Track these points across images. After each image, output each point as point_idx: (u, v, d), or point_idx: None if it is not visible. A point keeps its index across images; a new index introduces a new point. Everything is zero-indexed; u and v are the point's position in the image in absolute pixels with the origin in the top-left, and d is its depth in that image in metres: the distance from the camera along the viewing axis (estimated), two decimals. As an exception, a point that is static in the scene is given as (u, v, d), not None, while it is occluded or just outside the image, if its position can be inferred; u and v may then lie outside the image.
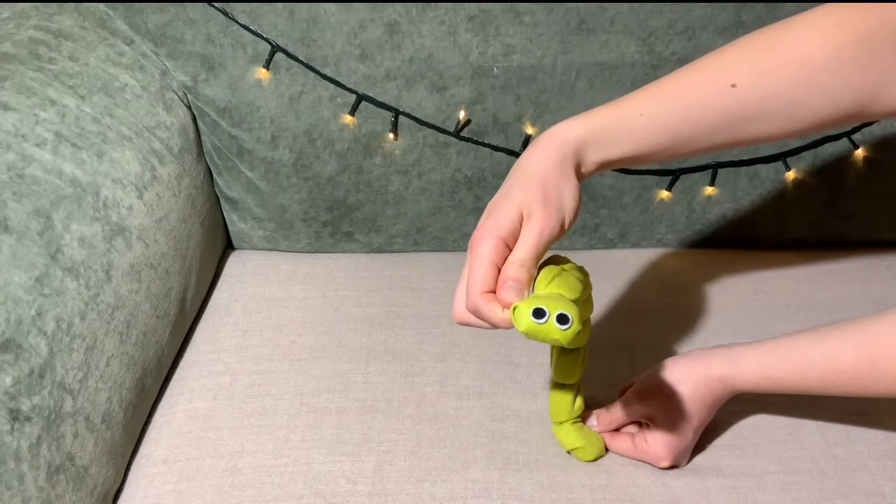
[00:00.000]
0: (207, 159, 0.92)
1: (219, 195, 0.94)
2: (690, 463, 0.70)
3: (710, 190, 0.92)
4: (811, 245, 0.95)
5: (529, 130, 0.88)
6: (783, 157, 0.90)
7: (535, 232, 0.55)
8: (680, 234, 0.96)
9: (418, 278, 0.92)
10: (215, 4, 0.83)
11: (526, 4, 0.83)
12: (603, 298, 0.89)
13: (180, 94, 0.88)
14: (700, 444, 0.71)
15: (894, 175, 0.91)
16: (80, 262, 0.68)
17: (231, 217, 0.96)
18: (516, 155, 0.89)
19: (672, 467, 0.69)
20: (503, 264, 0.55)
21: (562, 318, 0.51)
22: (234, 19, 0.83)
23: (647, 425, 0.68)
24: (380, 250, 0.97)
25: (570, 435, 0.70)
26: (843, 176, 0.92)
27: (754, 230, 0.96)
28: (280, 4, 0.83)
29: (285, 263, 0.95)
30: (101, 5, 0.85)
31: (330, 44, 0.84)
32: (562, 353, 0.66)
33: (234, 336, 0.84)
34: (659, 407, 0.67)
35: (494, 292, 0.54)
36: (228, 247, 0.99)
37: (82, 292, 0.67)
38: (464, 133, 0.88)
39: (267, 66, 0.85)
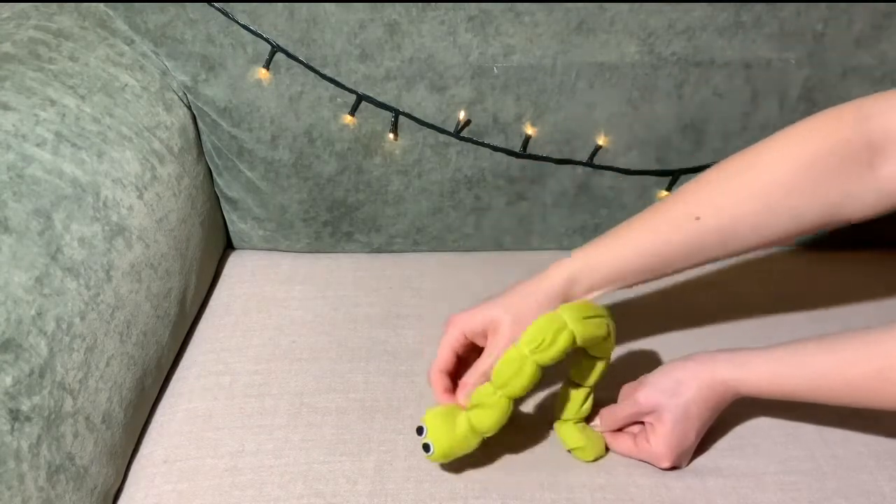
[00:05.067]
0: (207, 159, 0.92)
1: (219, 195, 0.95)
2: (690, 463, 0.70)
3: (709, 190, 0.92)
4: (808, 245, 0.95)
5: (529, 130, 0.88)
6: (783, 158, 0.90)
7: (500, 347, 0.67)
8: (680, 234, 0.96)
9: (418, 278, 0.92)
10: (215, 4, 0.83)
11: (526, 4, 0.83)
12: (601, 298, 0.89)
13: (180, 94, 0.88)
14: (700, 445, 0.71)
15: (894, 175, 0.91)
16: (81, 262, 0.68)
17: (231, 217, 0.96)
18: (516, 155, 0.89)
19: (673, 468, 0.69)
20: (462, 351, 0.70)
21: (425, 447, 0.66)
22: (234, 19, 0.83)
23: (650, 425, 0.68)
24: (380, 250, 0.97)
25: (572, 434, 0.70)
26: (842, 176, 0.92)
27: (754, 230, 0.96)
28: (280, 4, 0.83)
29: (285, 263, 0.95)
30: (101, 5, 0.85)
31: (330, 44, 0.84)
32: (586, 356, 0.69)
33: (234, 336, 0.84)
34: (663, 408, 0.67)
35: (450, 372, 0.70)
36: (228, 247, 0.99)
37: (82, 292, 0.67)
38: (464, 133, 0.88)
39: (267, 67, 0.85)
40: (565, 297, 0.69)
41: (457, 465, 0.70)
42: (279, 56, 0.84)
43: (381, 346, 0.82)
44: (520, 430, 0.73)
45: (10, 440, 0.57)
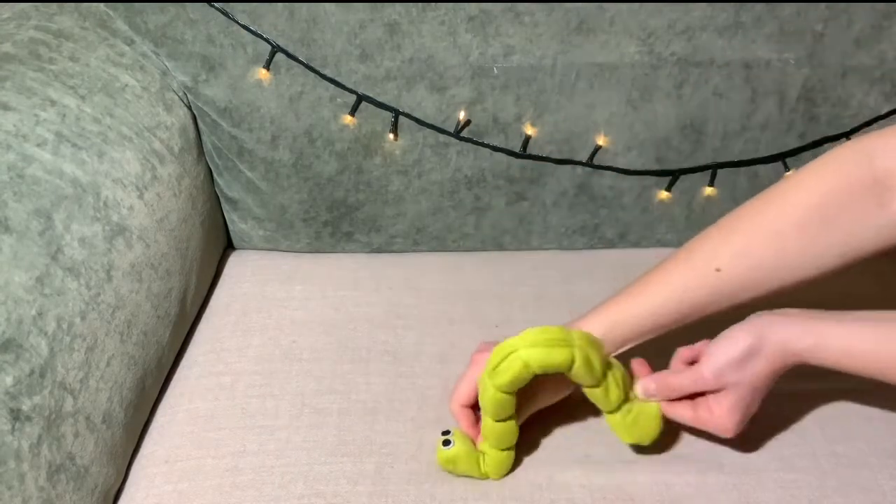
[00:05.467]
0: (208, 159, 0.92)
1: (219, 195, 0.95)
2: (690, 460, 0.70)
3: (709, 190, 0.92)
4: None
5: (529, 131, 0.88)
6: (782, 158, 0.90)
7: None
8: (679, 234, 0.96)
9: (418, 278, 0.92)
10: (215, 5, 0.83)
11: (526, 4, 0.83)
12: (601, 298, 0.89)
13: (180, 94, 0.88)
14: (700, 443, 0.71)
15: (893, 175, 0.91)
16: (81, 262, 0.68)
17: (231, 217, 0.96)
18: (516, 155, 0.89)
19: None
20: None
21: (446, 442, 0.68)
22: (234, 20, 0.83)
23: (714, 397, 0.66)
24: (380, 250, 0.97)
25: (622, 427, 0.69)
26: (842, 176, 0.92)
27: (754, 230, 0.96)
28: (280, 4, 0.83)
29: (286, 263, 0.95)
30: (102, 5, 0.85)
31: (330, 44, 0.84)
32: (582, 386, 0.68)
33: (234, 336, 0.84)
34: (730, 382, 0.65)
35: (471, 406, 0.70)
36: (229, 247, 0.99)
37: (83, 292, 0.67)
38: (464, 133, 0.88)
39: (267, 67, 0.85)
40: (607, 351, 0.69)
41: (457, 464, 0.70)
42: (279, 56, 0.84)
43: (381, 347, 0.82)
44: (519, 431, 0.73)
45: (10, 440, 0.57)
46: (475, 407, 0.70)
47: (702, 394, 0.67)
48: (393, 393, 0.77)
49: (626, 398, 0.68)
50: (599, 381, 0.66)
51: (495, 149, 0.89)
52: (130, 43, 0.85)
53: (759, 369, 0.64)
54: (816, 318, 0.64)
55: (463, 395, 0.70)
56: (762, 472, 0.69)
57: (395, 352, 0.82)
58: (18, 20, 0.82)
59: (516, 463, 0.70)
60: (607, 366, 0.67)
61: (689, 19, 0.84)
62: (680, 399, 0.68)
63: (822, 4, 0.84)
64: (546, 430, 0.73)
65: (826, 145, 0.90)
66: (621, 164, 0.90)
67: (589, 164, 0.90)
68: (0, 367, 0.58)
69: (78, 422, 0.64)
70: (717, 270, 0.67)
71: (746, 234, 0.68)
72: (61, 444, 0.62)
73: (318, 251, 0.96)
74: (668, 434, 0.71)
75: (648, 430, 0.69)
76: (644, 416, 0.68)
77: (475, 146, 0.89)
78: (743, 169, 0.91)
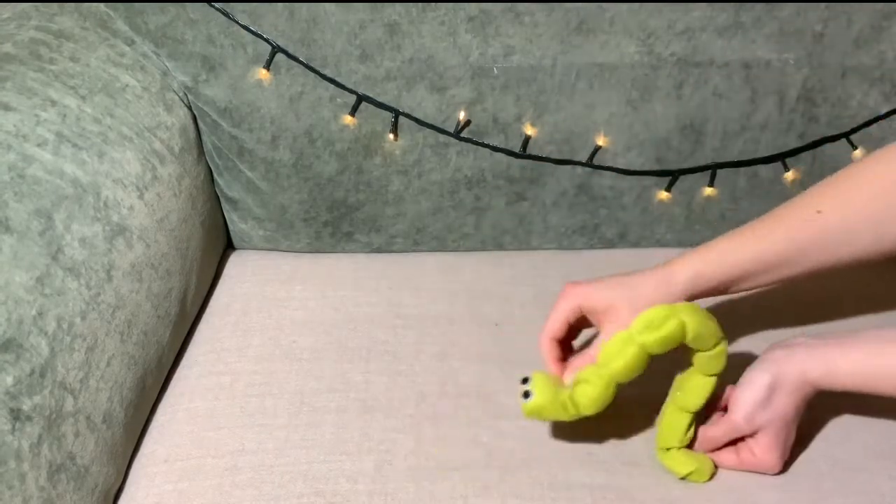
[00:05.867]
0: (208, 159, 0.92)
1: (219, 195, 0.95)
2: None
3: (709, 190, 0.92)
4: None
5: (529, 131, 0.88)
6: (782, 158, 0.90)
7: (598, 354, 0.67)
8: (679, 234, 0.96)
9: (418, 278, 0.92)
10: (215, 5, 0.83)
11: (526, 5, 0.83)
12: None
13: (181, 94, 0.88)
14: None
15: (893, 175, 0.91)
16: (81, 262, 0.69)
17: (231, 217, 0.96)
18: (516, 155, 0.89)
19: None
20: (573, 322, 0.70)
21: (525, 394, 0.68)
22: (234, 20, 0.83)
23: (753, 439, 0.67)
24: (380, 250, 0.97)
25: (682, 461, 0.68)
26: (842, 176, 0.92)
27: (753, 230, 0.96)
28: (280, 5, 0.83)
29: (286, 263, 0.95)
30: (102, 6, 0.86)
31: (330, 44, 0.84)
32: (694, 375, 0.67)
33: (234, 336, 0.84)
34: (762, 424, 0.66)
35: (560, 341, 0.71)
36: (229, 247, 0.99)
37: (83, 292, 0.68)
38: (464, 133, 0.88)
39: (267, 67, 0.85)
40: (690, 295, 0.68)
41: (457, 463, 0.70)
42: (279, 56, 0.85)
43: (381, 346, 0.82)
44: (520, 429, 0.73)
45: (10, 440, 0.57)
46: (564, 341, 0.70)
47: (742, 438, 0.68)
48: (392, 391, 0.77)
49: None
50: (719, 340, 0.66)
51: (495, 149, 0.89)
52: (131, 43, 0.86)
53: (785, 403, 0.65)
54: (824, 346, 0.66)
55: (553, 329, 0.70)
56: (761, 474, 0.69)
57: (394, 351, 0.82)
58: (19, 20, 0.82)
59: (518, 462, 0.70)
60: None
61: (689, 19, 0.84)
62: (722, 447, 0.69)
63: (822, 4, 0.84)
64: (548, 429, 0.73)
65: (825, 145, 0.90)
66: (621, 164, 0.90)
67: (589, 164, 0.90)
68: (0, 366, 0.59)
69: (78, 421, 0.64)
70: (819, 213, 0.68)
71: (853, 184, 0.68)
72: (62, 443, 0.62)
73: (318, 251, 0.97)
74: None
75: (707, 464, 0.69)
76: (700, 455, 0.69)
77: (475, 146, 0.89)
78: (742, 169, 0.91)
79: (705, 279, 0.68)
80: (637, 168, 0.91)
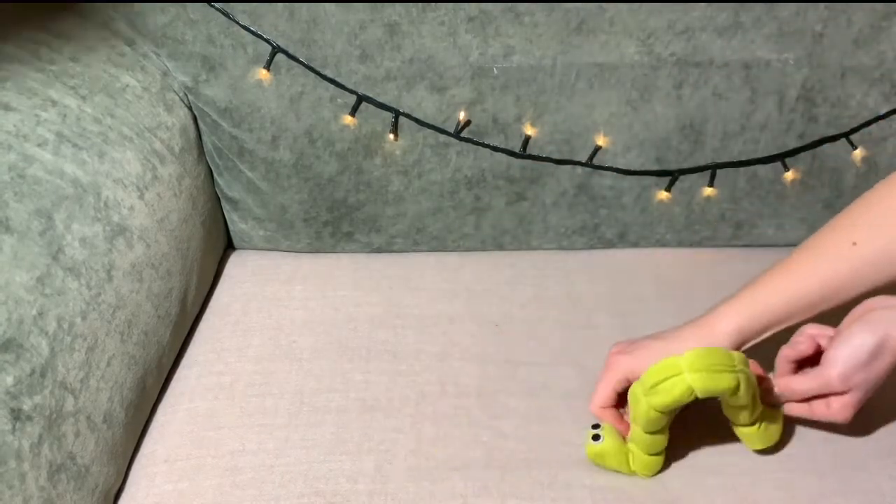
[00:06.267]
0: (208, 159, 0.92)
1: (219, 195, 0.95)
2: (690, 461, 0.70)
3: (708, 190, 0.92)
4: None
5: (529, 131, 0.88)
6: (782, 158, 0.90)
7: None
8: (679, 234, 0.96)
9: (418, 278, 0.92)
10: (216, 5, 0.83)
11: (526, 5, 0.83)
12: (601, 298, 0.89)
13: (181, 94, 0.88)
14: (699, 443, 0.71)
15: (893, 175, 0.91)
16: (82, 262, 0.69)
17: (232, 217, 0.96)
18: (516, 155, 0.89)
19: None
20: (621, 390, 0.69)
21: (595, 437, 0.68)
22: (234, 20, 0.83)
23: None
24: (380, 250, 0.97)
25: (756, 438, 0.68)
26: (841, 176, 0.92)
27: (753, 230, 0.96)
28: (280, 5, 0.83)
29: (286, 263, 0.95)
30: (103, 6, 0.86)
31: (330, 44, 0.84)
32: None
33: (234, 336, 0.84)
34: (858, 384, 0.64)
35: (613, 406, 0.70)
36: (229, 247, 0.99)
37: (83, 292, 0.68)
38: (464, 133, 0.88)
39: (267, 67, 0.85)
40: (736, 347, 0.68)
41: (457, 463, 0.70)
42: (280, 56, 0.85)
43: (381, 346, 0.83)
44: (520, 429, 0.73)
45: (11, 440, 0.57)
46: (618, 405, 0.71)
47: None
48: (392, 391, 0.77)
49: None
50: (754, 404, 0.65)
51: (495, 149, 0.89)
52: (131, 43, 0.86)
53: (885, 366, 0.64)
54: None
55: (602, 399, 0.70)
56: (761, 473, 0.69)
57: (394, 351, 0.82)
58: (20, 20, 0.82)
59: (517, 461, 0.70)
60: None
61: (689, 19, 0.84)
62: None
63: (822, 5, 0.84)
64: (549, 430, 0.73)
65: (825, 145, 0.90)
66: (621, 164, 0.90)
67: (589, 164, 0.90)
68: (1, 366, 0.59)
69: (79, 421, 0.64)
70: (854, 244, 0.67)
71: (884, 206, 0.67)
72: (62, 443, 0.62)
73: (318, 251, 0.97)
74: (669, 436, 0.71)
75: (774, 436, 0.69)
76: (771, 422, 0.69)
77: (475, 146, 0.89)
78: (742, 169, 0.91)
79: (747, 332, 0.68)
80: (637, 168, 0.91)
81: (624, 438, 0.69)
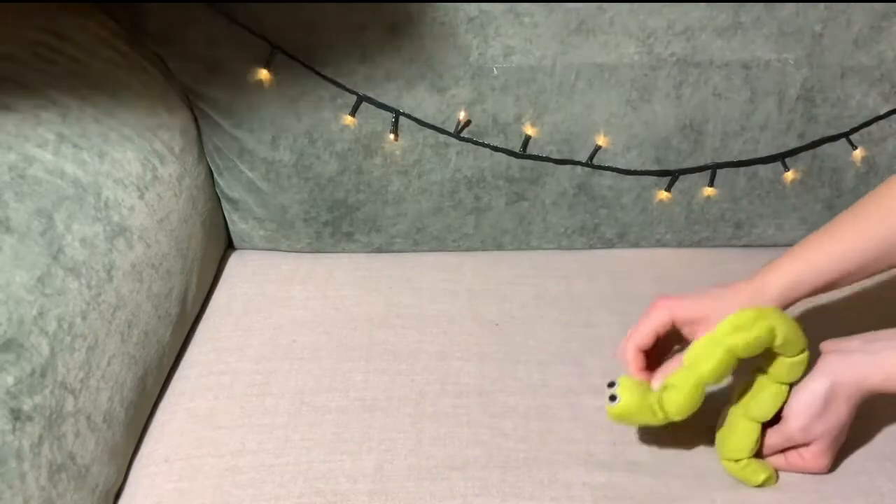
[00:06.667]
0: (208, 159, 0.92)
1: (220, 195, 0.95)
2: (690, 461, 0.70)
3: (708, 190, 0.92)
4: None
5: (529, 131, 0.88)
6: (782, 158, 0.90)
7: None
8: (679, 234, 0.96)
9: (418, 278, 0.93)
10: (216, 5, 0.83)
11: (526, 5, 0.83)
12: (601, 298, 0.89)
13: (181, 94, 0.88)
14: (700, 444, 0.71)
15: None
16: (82, 262, 0.69)
17: (232, 217, 0.96)
18: (516, 155, 0.89)
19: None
20: (663, 335, 0.68)
21: (612, 397, 0.66)
22: (234, 20, 0.84)
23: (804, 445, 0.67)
24: (380, 250, 0.97)
25: (756, 470, 0.67)
26: (841, 176, 0.92)
27: (753, 230, 0.96)
28: (280, 5, 0.83)
29: (286, 263, 0.95)
30: (103, 6, 0.86)
31: (330, 44, 0.84)
32: (771, 382, 0.66)
33: (234, 335, 0.84)
34: (818, 433, 0.65)
35: (646, 352, 0.68)
36: (229, 247, 0.99)
37: (84, 292, 0.68)
38: (464, 133, 0.88)
39: (267, 67, 0.85)
40: (783, 305, 0.67)
41: (457, 462, 0.70)
42: (280, 57, 0.85)
43: (381, 346, 0.83)
44: (520, 428, 0.73)
45: (11, 439, 0.57)
46: (647, 354, 0.69)
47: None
48: (391, 390, 0.77)
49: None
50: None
51: (495, 149, 0.89)
52: (132, 43, 0.86)
53: (841, 411, 0.65)
54: (883, 350, 0.64)
55: (642, 337, 0.68)
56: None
57: (394, 350, 0.82)
58: (20, 20, 0.82)
59: (518, 461, 0.70)
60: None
61: (689, 20, 0.84)
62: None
63: (821, 5, 0.84)
64: (549, 429, 0.73)
65: (825, 145, 0.90)
66: (621, 164, 0.90)
67: (589, 164, 0.90)
68: (1, 366, 0.59)
69: (79, 421, 0.64)
70: None
71: None
72: (62, 443, 0.62)
73: (318, 251, 0.97)
74: (669, 436, 0.71)
75: (769, 467, 0.68)
76: (762, 461, 0.69)
77: (475, 146, 0.89)
78: (742, 169, 0.91)
79: (799, 289, 0.67)
80: (637, 168, 0.91)
81: (646, 389, 0.66)
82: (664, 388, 0.65)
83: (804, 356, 0.65)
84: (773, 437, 0.67)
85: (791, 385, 0.66)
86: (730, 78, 0.87)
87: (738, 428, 0.67)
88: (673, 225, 0.95)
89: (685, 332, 0.68)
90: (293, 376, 0.79)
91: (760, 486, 0.67)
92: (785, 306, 0.67)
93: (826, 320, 0.82)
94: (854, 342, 0.66)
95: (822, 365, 0.66)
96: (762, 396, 0.66)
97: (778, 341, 0.63)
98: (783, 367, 0.65)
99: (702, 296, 0.68)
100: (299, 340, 0.83)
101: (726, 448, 0.68)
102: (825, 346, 0.67)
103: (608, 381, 0.67)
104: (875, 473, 0.69)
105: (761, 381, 0.67)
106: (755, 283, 0.67)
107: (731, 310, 0.65)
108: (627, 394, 0.66)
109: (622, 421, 0.67)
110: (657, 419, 0.66)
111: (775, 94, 0.87)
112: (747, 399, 0.67)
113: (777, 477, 0.68)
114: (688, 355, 0.65)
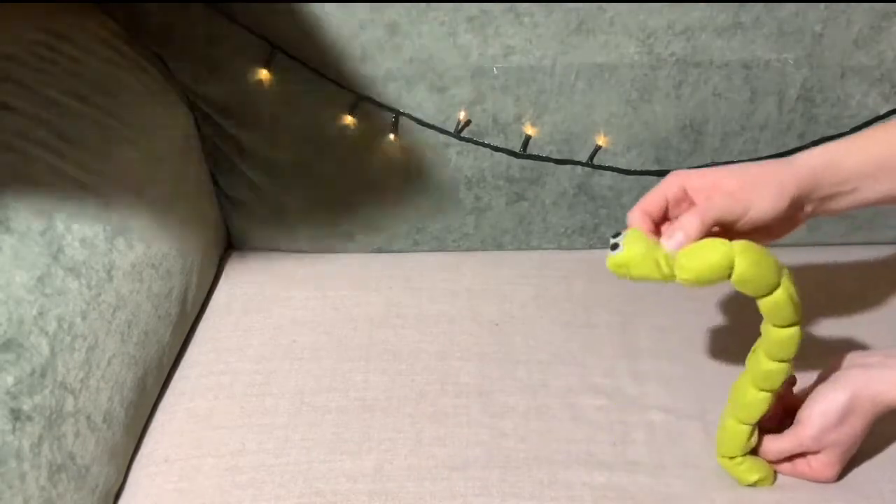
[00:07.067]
0: (208, 159, 0.92)
1: (220, 195, 0.95)
2: (690, 461, 0.70)
3: (709, 190, 0.92)
4: (810, 245, 0.95)
5: (529, 131, 0.88)
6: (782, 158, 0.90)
7: (703, 211, 0.61)
8: (679, 234, 0.96)
9: (418, 278, 0.93)
10: (216, 5, 0.83)
11: (526, 5, 0.83)
12: (601, 298, 0.89)
13: (181, 94, 0.88)
14: (700, 445, 0.71)
15: (893, 175, 0.91)
16: (82, 262, 0.69)
17: (232, 217, 0.96)
18: (516, 155, 0.89)
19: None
20: (672, 201, 0.65)
21: (614, 246, 0.62)
22: (235, 20, 0.83)
23: (814, 454, 0.66)
24: (380, 250, 0.97)
25: (749, 469, 0.67)
26: (841, 176, 0.92)
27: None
28: (280, 5, 0.83)
29: (286, 263, 0.95)
30: (103, 5, 0.86)
31: (330, 44, 0.84)
32: (749, 391, 0.65)
33: (234, 335, 0.84)
34: (831, 443, 0.65)
35: (652, 218, 0.65)
36: (229, 247, 0.99)
37: (84, 292, 0.68)
38: (464, 133, 0.88)
39: (268, 67, 0.85)
40: (813, 184, 0.63)
41: (457, 462, 0.70)
42: (280, 56, 0.85)
43: (381, 346, 0.83)
44: (519, 427, 0.73)
45: (11, 439, 0.57)
46: (657, 221, 0.65)
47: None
48: (391, 390, 0.77)
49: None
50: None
51: (495, 149, 0.89)
52: (131, 43, 0.86)
53: (857, 425, 0.64)
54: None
55: (649, 201, 0.65)
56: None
57: (394, 350, 0.82)
58: (19, 20, 0.82)
59: (518, 460, 0.70)
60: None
61: (689, 20, 0.84)
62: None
63: (821, 5, 0.84)
64: (549, 429, 0.73)
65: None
66: (621, 164, 0.90)
67: (589, 164, 0.90)
68: (1, 366, 0.59)
69: (79, 421, 0.64)
70: None
71: None
72: (62, 443, 0.62)
73: (318, 251, 0.97)
74: (670, 436, 0.71)
75: (769, 469, 0.68)
76: (762, 461, 0.68)
77: (475, 146, 0.89)
78: (742, 169, 0.91)
79: (831, 171, 0.63)
80: (637, 168, 0.91)
81: (654, 244, 0.61)
82: (697, 247, 0.60)
83: (791, 332, 0.61)
84: (784, 442, 0.67)
85: (773, 393, 0.64)
86: (730, 78, 0.87)
87: (728, 428, 0.67)
88: (673, 225, 0.95)
89: (698, 200, 0.65)
90: (293, 376, 0.79)
91: (753, 485, 0.67)
92: (808, 189, 0.63)
93: (828, 330, 0.83)
94: (875, 357, 0.65)
95: (843, 377, 0.65)
96: (744, 402, 0.66)
97: (735, 275, 0.59)
98: (762, 367, 0.63)
99: (720, 168, 0.65)
100: (299, 340, 0.83)
101: (719, 445, 0.68)
102: (849, 359, 0.66)
103: (612, 232, 0.63)
104: (876, 475, 0.69)
105: (744, 384, 0.66)
106: (786, 158, 0.65)
107: (749, 172, 0.63)
108: (632, 243, 0.61)
109: (622, 271, 0.62)
110: (661, 273, 0.61)
111: (775, 94, 0.87)
112: (734, 401, 0.67)
113: (774, 479, 0.68)
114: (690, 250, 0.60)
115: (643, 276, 0.62)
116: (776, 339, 0.62)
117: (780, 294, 0.60)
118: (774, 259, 0.60)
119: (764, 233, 0.65)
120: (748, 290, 0.60)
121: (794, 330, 0.62)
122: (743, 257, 0.58)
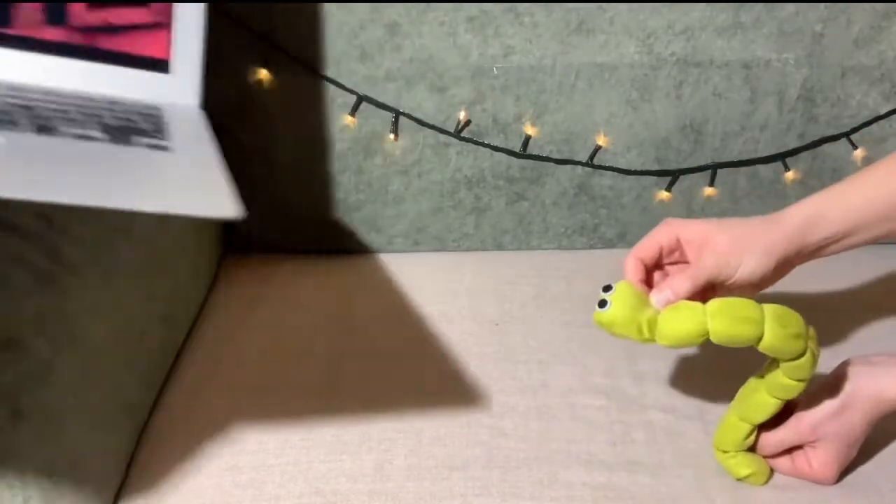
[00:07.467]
0: (208, 159, 0.92)
1: (219, 195, 0.95)
2: (690, 461, 0.70)
3: (709, 190, 0.92)
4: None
5: (529, 131, 0.88)
6: (782, 158, 0.90)
7: (694, 273, 0.63)
8: (679, 234, 0.96)
9: (418, 278, 0.93)
10: (216, 5, 0.83)
11: (526, 5, 0.83)
12: (602, 298, 0.89)
13: (181, 94, 0.88)
14: (700, 445, 0.71)
15: (893, 175, 0.91)
16: (82, 262, 0.69)
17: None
18: (516, 155, 0.89)
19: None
20: (665, 251, 0.66)
21: (602, 302, 0.62)
22: (234, 20, 0.84)
23: (812, 449, 0.66)
24: (380, 250, 0.97)
25: (741, 463, 0.67)
26: (842, 176, 0.91)
27: (753, 230, 0.96)
28: (280, 5, 0.83)
29: (286, 263, 0.95)
30: (103, 6, 0.86)
31: (330, 44, 0.84)
32: (760, 393, 0.64)
33: (234, 336, 0.84)
34: (829, 435, 0.65)
35: (645, 265, 0.66)
36: (229, 247, 0.99)
37: (84, 292, 0.68)
38: (464, 133, 0.88)
39: (268, 67, 0.85)
40: (800, 241, 0.64)
41: (457, 462, 0.70)
42: (280, 56, 0.85)
43: (381, 346, 0.83)
44: (519, 427, 0.73)
45: (10, 439, 0.57)
46: (649, 268, 0.66)
47: (801, 446, 0.67)
48: (391, 390, 0.77)
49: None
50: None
51: (495, 149, 0.89)
52: (131, 43, 0.86)
53: (856, 420, 0.64)
54: None
55: (644, 248, 0.66)
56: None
57: (394, 350, 0.82)
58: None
59: (518, 460, 0.70)
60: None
61: (689, 20, 0.84)
62: (781, 452, 0.68)
63: (822, 5, 0.84)
64: (549, 429, 0.73)
65: (825, 145, 0.90)
66: (621, 164, 0.90)
67: (589, 164, 0.90)
68: (1, 365, 0.59)
69: (78, 421, 0.64)
70: None
71: None
72: (62, 443, 0.62)
73: (318, 251, 0.97)
74: (670, 436, 0.71)
75: (765, 467, 0.68)
76: (759, 458, 0.68)
77: (475, 146, 0.89)
78: (743, 169, 0.91)
79: (819, 226, 0.64)
80: (637, 168, 0.91)
81: (642, 304, 0.63)
82: (673, 308, 0.62)
83: (804, 360, 0.61)
84: (782, 432, 0.67)
85: (783, 399, 0.64)
86: (730, 78, 0.87)
87: (728, 422, 0.67)
88: (673, 225, 0.95)
89: (690, 252, 0.66)
90: (293, 376, 0.79)
91: (744, 479, 0.67)
92: (802, 243, 0.64)
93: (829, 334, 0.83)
94: (880, 356, 0.65)
95: (844, 371, 0.65)
96: (753, 403, 0.66)
97: (765, 344, 0.60)
98: (779, 379, 0.63)
99: (713, 221, 0.66)
100: (299, 340, 0.83)
101: (717, 437, 0.69)
102: (853, 360, 0.66)
103: (604, 285, 0.63)
104: (875, 475, 0.69)
105: (756, 385, 0.66)
106: (773, 215, 0.65)
107: (742, 234, 0.63)
108: (620, 303, 0.62)
109: (605, 328, 0.63)
110: (641, 337, 0.62)
111: (775, 93, 0.87)
112: (741, 398, 0.67)
113: (768, 478, 0.68)
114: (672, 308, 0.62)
115: (625, 336, 0.63)
116: (788, 365, 0.63)
117: (767, 340, 0.60)
118: (752, 311, 0.60)
119: (754, 287, 0.66)
120: (731, 346, 0.61)
121: (804, 360, 0.61)
122: (717, 321, 0.59)
